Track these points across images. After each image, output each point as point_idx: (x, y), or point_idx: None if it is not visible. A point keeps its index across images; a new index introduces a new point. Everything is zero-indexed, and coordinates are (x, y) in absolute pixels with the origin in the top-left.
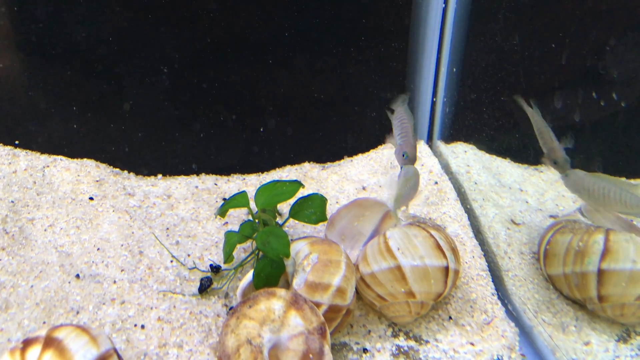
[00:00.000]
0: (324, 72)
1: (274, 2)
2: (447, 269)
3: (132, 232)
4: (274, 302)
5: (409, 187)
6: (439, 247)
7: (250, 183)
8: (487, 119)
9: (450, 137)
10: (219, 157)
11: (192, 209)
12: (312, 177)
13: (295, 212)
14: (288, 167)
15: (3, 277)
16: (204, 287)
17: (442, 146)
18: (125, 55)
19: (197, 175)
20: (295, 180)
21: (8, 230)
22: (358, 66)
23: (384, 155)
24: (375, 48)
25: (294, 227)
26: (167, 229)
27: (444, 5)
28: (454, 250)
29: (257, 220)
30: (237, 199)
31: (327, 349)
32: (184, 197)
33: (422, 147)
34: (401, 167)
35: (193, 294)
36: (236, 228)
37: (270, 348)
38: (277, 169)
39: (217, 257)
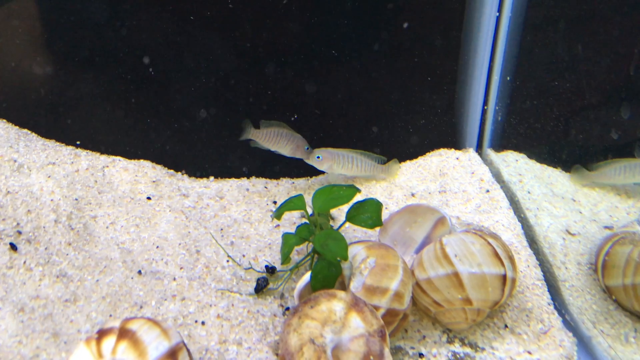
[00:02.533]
0: (372, 79)
1: (325, 9)
2: (504, 277)
3: (189, 232)
4: (335, 304)
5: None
6: (496, 255)
7: (299, 187)
8: (539, 128)
9: (500, 145)
10: (268, 161)
11: (244, 211)
12: (360, 183)
13: (351, 216)
14: None
15: (70, 271)
16: (261, 287)
17: (492, 155)
18: (178, 60)
19: (248, 178)
20: (352, 185)
21: (73, 227)
22: (407, 73)
23: (433, 162)
24: (425, 55)
25: (345, 231)
26: (221, 229)
27: (497, 14)
28: (512, 259)
29: (313, 223)
30: (294, 202)
31: (387, 351)
32: (236, 199)
33: (471, 155)
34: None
35: (249, 294)
36: (288, 230)
37: (332, 348)
38: (326, 174)
39: (271, 259)
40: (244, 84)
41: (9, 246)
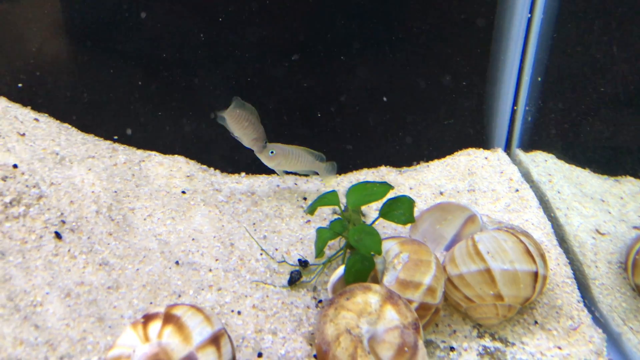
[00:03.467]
0: (402, 76)
1: (354, 7)
2: (536, 274)
3: (222, 225)
4: (371, 296)
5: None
6: (528, 252)
7: (328, 184)
8: (569, 129)
9: (529, 145)
10: None
11: (275, 207)
12: (389, 180)
13: (385, 212)
14: (365, 170)
15: (112, 260)
16: (294, 280)
17: (521, 154)
18: (211, 59)
19: (278, 175)
20: (384, 182)
21: (113, 218)
22: (436, 72)
23: (461, 161)
24: (455, 54)
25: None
26: (254, 224)
27: (529, 14)
28: (543, 257)
29: (346, 219)
30: (328, 198)
31: (421, 343)
32: (267, 195)
33: (499, 155)
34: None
35: (283, 286)
36: (319, 226)
37: (368, 339)
38: (354, 172)
39: (303, 253)
40: (272, 82)
41: (54, 234)
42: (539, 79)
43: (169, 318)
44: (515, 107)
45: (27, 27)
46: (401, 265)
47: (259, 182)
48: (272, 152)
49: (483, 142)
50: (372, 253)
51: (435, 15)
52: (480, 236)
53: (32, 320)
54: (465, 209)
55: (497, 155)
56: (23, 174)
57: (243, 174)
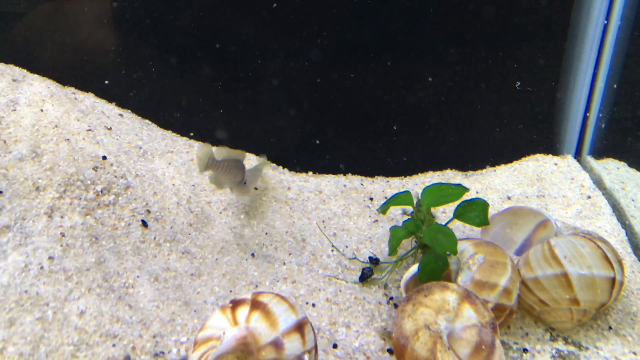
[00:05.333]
0: (470, 81)
1: (425, 9)
2: (614, 280)
3: (293, 222)
4: (448, 294)
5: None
6: (606, 258)
7: (394, 186)
8: None
9: (601, 153)
10: (364, 159)
11: (343, 206)
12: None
13: (459, 214)
14: (430, 174)
15: (193, 249)
16: (366, 276)
17: (592, 162)
18: (279, 60)
19: (344, 175)
20: (459, 185)
21: (192, 210)
22: (507, 78)
23: (529, 167)
24: (527, 61)
25: None
26: (323, 221)
27: (605, 22)
28: (620, 263)
29: (420, 219)
30: (402, 197)
31: (498, 342)
32: (334, 194)
33: (569, 161)
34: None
35: (354, 282)
36: (387, 226)
37: (446, 335)
38: (420, 174)
39: (372, 251)
40: (340, 85)
41: (140, 223)
42: (615, 86)
43: (256, 304)
44: (587, 114)
45: (114, 30)
46: (476, 266)
47: (326, 181)
48: (244, 183)
49: (552, 148)
50: (447, 253)
51: (508, 19)
52: (557, 241)
53: (125, 300)
54: (537, 213)
55: (567, 162)
56: (112, 165)
57: (310, 173)
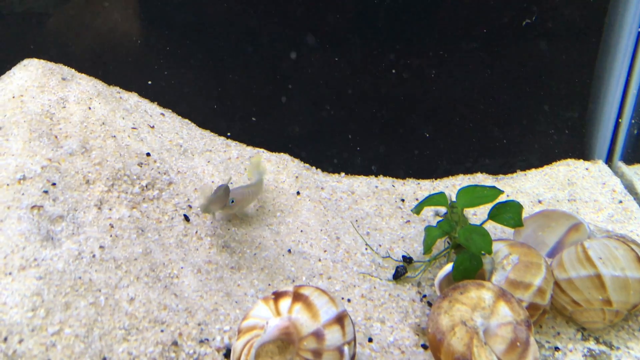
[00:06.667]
0: (502, 85)
1: (458, 13)
2: None
3: (327, 220)
4: (484, 292)
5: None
6: (639, 260)
7: (425, 188)
8: None
9: (632, 159)
10: (395, 161)
11: (375, 206)
12: None
13: (494, 215)
14: (461, 176)
15: (232, 244)
16: (400, 274)
17: (623, 167)
18: (314, 63)
19: (376, 176)
20: (494, 187)
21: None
22: (539, 81)
23: (560, 171)
24: (559, 64)
25: None
26: (356, 220)
27: (639, 29)
28: None
29: (454, 220)
30: (436, 198)
31: (532, 340)
32: (366, 195)
33: (600, 166)
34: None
35: (388, 279)
36: (418, 226)
37: (482, 332)
38: (450, 177)
39: (405, 250)
40: (372, 87)
41: (183, 217)
42: None
43: (297, 296)
44: (619, 120)
45: (155, 31)
46: (511, 266)
47: (358, 182)
48: (232, 201)
49: (583, 153)
50: (481, 253)
51: (541, 23)
52: (591, 243)
53: (171, 289)
54: (570, 217)
55: (599, 167)
56: (155, 161)
57: (342, 174)
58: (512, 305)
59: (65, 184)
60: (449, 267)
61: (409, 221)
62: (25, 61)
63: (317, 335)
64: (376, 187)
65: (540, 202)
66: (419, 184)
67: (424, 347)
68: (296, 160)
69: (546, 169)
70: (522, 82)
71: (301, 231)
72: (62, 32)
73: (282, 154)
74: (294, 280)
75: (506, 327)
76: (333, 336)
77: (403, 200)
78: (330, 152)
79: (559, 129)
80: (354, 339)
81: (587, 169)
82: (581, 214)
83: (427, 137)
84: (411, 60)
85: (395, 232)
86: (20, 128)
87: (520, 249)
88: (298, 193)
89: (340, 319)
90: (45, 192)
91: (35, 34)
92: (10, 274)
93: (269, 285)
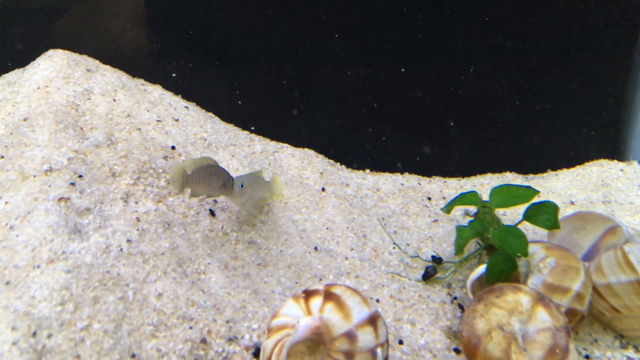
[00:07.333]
0: (534, 84)
1: (491, 14)
2: None
3: (354, 218)
4: (521, 296)
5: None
6: None
7: (452, 186)
8: None
9: None
10: (422, 158)
11: (401, 204)
12: None
13: (530, 216)
14: (489, 175)
15: (259, 240)
16: (429, 275)
17: None
18: (340, 61)
19: (402, 173)
20: (530, 187)
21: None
22: (574, 82)
23: (593, 172)
24: (595, 66)
25: None
26: (382, 219)
27: None
28: None
29: (487, 220)
30: (468, 197)
31: (572, 347)
32: (392, 192)
33: (636, 168)
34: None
35: (417, 280)
36: (447, 226)
37: (521, 337)
38: (478, 176)
39: (434, 250)
40: (400, 85)
41: (208, 212)
42: None
43: (329, 295)
44: None
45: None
46: (548, 269)
47: (383, 179)
48: (241, 185)
49: (617, 153)
50: (516, 255)
51: (576, 23)
52: (632, 247)
53: (198, 285)
54: (607, 219)
55: (634, 168)
56: (180, 155)
57: (367, 170)
58: (551, 310)
59: (92, 176)
60: (481, 268)
61: (436, 220)
62: (50, 52)
63: (350, 336)
64: (402, 184)
65: (572, 203)
66: (445, 182)
67: (457, 351)
68: (320, 156)
69: (578, 169)
70: (557, 81)
71: (327, 228)
72: (82, 26)
73: (306, 149)
74: (321, 279)
75: (545, 333)
76: (366, 337)
77: (430, 198)
78: (355, 149)
79: (594, 129)
80: (387, 341)
81: (621, 170)
82: (617, 216)
83: (454, 135)
84: (440, 60)
85: (423, 231)
86: (46, 119)
87: (557, 252)
88: (323, 189)
89: (373, 320)
90: (72, 184)
91: (55, 27)
92: (38, 266)
93: (296, 283)
